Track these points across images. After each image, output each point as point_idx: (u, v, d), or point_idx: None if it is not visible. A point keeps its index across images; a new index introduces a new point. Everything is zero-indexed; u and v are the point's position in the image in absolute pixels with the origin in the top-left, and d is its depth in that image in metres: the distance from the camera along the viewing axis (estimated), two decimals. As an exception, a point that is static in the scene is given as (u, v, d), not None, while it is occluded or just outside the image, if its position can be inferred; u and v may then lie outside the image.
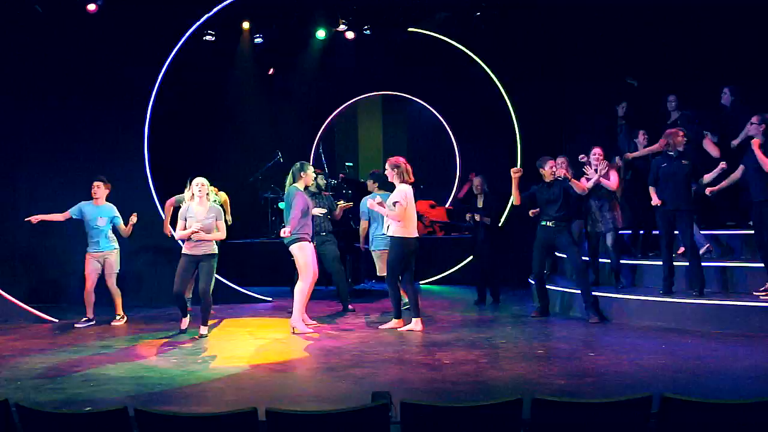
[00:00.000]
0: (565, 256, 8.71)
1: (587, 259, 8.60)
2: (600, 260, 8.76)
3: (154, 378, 5.63)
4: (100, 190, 8.30)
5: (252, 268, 9.36)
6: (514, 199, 8.23)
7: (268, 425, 3.28)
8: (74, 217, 8.28)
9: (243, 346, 6.90)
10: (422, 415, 3.34)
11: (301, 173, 7.59)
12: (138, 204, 8.88)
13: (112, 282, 8.29)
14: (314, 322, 7.97)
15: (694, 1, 9.56)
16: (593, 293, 7.93)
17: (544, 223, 8.14)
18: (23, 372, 5.86)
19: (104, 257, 8.25)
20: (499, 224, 9.59)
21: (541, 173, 8.16)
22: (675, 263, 7.71)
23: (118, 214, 8.36)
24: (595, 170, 8.16)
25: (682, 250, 8.01)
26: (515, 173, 8.10)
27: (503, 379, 5.37)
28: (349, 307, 8.81)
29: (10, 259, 9.46)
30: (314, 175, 7.76)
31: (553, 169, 8.06)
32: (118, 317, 8.31)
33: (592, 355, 6.14)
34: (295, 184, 7.58)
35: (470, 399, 4.95)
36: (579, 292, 7.98)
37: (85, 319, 8.15)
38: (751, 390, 4.91)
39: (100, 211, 8.28)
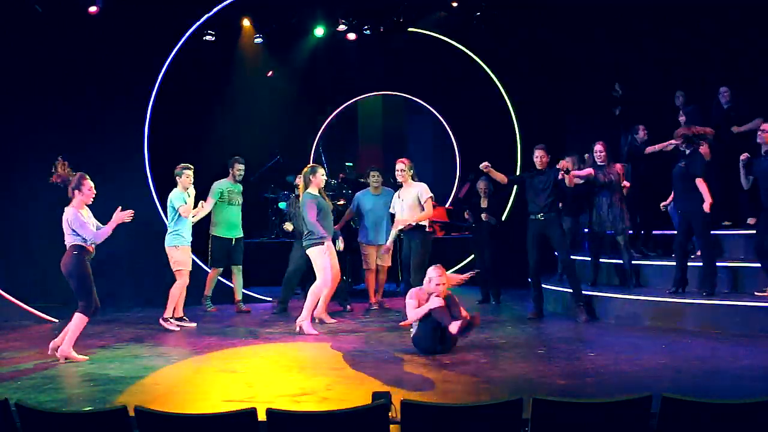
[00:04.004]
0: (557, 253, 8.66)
1: (589, 258, 8.58)
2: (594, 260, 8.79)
3: (154, 378, 5.63)
4: (190, 179, 8.02)
5: (252, 268, 9.35)
6: (501, 180, 8.09)
7: (268, 425, 3.28)
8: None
9: (242, 346, 6.90)
10: (422, 415, 3.34)
11: (311, 177, 7.65)
12: (138, 204, 8.85)
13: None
14: (333, 321, 8.08)
15: (695, 1, 9.58)
16: (584, 292, 7.93)
17: (533, 216, 8.02)
18: (23, 372, 5.86)
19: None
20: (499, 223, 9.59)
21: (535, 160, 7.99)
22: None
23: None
24: (599, 166, 8.12)
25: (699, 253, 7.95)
26: (486, 167, 7.97)
27: (503, 379, 5.37)
28: (348, 307, 8.86)
29: (10, 259, 9.45)
30: (325, 177, 7.86)
31: (541, 159, 7.91)
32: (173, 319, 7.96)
33: (592, 355, 6.13)
34: (308, 191, 7.64)
35: (470, 399, 4.95)
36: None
37: (181, 317, 7.96)
38: (751, 390, 4.91)
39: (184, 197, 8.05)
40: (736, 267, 7.77)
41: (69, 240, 6.35)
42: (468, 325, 6.12)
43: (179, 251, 7.85)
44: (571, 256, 8.12)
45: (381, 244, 8.95)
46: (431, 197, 8.07)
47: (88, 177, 6.43)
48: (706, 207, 7.23)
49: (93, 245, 6.38)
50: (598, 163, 8.19)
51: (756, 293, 7.29)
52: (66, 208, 6.36)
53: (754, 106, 8.50)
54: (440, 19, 11.66)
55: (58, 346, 6.39)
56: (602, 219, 8.16)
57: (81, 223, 6.27)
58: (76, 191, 6.36)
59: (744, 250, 8.09)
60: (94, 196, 6.46)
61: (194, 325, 7.98)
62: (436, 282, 6.31)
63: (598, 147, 8.20)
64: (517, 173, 11.26)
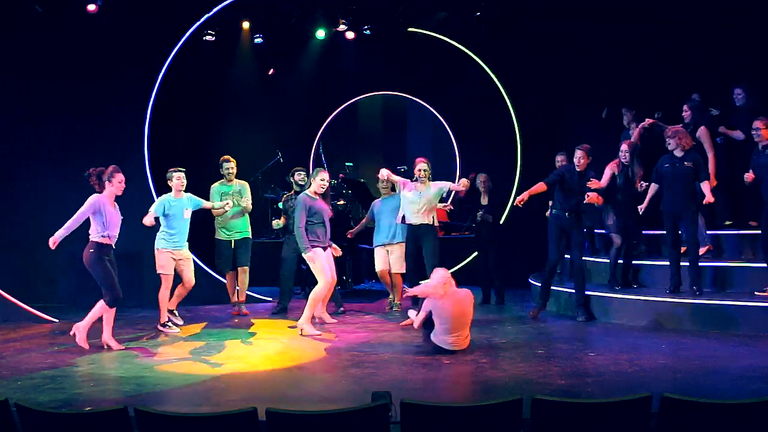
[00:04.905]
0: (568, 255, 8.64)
1: (607, 260, 8.55)
2: (596, 259, 8.77)
3: (154, 378, 5.63)
4: (185, 181, 7.90)
5: (252, 268, 9.33)
6: (542, 189, 7.86)
7: (268, 425, 3.28)
8: (159, 215, 7.78)
9: (243, 346, 6.90)
10: (422, 415, 3.34)
11: (311, 179, 7.59)
12: (138, 204, 8.86)
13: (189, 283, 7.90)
14: (334, 320, 8.07)
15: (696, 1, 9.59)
16: (587, 292, 7.97)
17: (556, 212, 7.97)
18: (23, 372, 5.86)
19: (183, 255, 7.87)
20: (501, 221, 9.58)
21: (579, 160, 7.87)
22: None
23: (199, 198, 8.07)
24: (626, 165, 8.07)
25: (684, 249, 7.99)
26: (521, 201, 7.78)
27: (503, 379, 5.37)
28: (340, 309, 8.72)
29: (10, 259, 9.45)
30: (320, 181, 7.58)
31: (579, 160, 7.83)
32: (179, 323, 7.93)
33: (592, 355, 6.14)
34: (306, 191, 7.56)
35: (470, 399, 4.95)
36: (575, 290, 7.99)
37: (171, 322, 7.79)
38: (751, 390, 4.91)
39: (182, 203, 7.89)
40: (736, 267, 7.77)
41: (91, 235, 6.69)
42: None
43: (160, 254, 7.76)
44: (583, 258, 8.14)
45: (390, 243, 8.83)
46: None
47: (120, 170, 6.82)
48: (708, 198, 7.28)
49: (109, 238, 6.71)
50: (624, 163, 8.15)
51: (756, 293, 7.29)
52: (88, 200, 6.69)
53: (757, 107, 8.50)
54: (441, 20, 11.63)
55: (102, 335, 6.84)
56: (624, 220, 8.14)
57: (84, 209, 6.63)
58: (107, 182, 6.75)
59: (744, 250, 8.10)
60: (124, 188, 6.83)
61: (177, 330, 7.78)
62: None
63: (624, 147, 8.15)
64: (518, 172, 11.30)
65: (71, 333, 6.83)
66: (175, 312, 8.00)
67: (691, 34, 9.74)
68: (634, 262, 8.33)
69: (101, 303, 6.72)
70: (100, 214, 6.64)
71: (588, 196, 7.66)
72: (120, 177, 6.78)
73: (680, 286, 7.60)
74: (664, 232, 7.82)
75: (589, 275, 8.74)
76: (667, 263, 7.79)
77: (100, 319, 6.82)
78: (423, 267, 8.12)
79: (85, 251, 6.68)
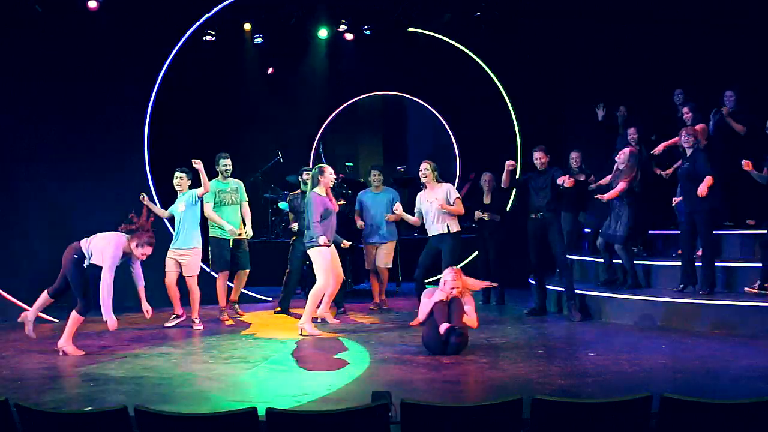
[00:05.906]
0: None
1: (601, 260, 8.55)
2: (597, 260, 8.77)
3: (154, 378, 5.63)
4: (183, 182, 7.94)
5: (252, 267, 9.32)
6: (504, 182, 8.15)
7: (268, 425, 3.28)
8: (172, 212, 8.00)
9: (242, 346, 6.90)
10: (422, 415, 3.34)
11: (319, 177, 7.48)
12: (138, 204, 8.86)
13: (191, 282, 7.89)
14: (337, 321, 8.08)
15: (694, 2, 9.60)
16: (576, 291, 7.99)
17: (532, 215, 8.14)
18: (23, 372, 5.86)
19: (179, 254, 7.88)
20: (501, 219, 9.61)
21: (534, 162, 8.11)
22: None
23: (198, 194, 7.95)
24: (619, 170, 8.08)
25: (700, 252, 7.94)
26: (509, 167, 8.01)
27: (503, 379, 5.38)
28: (341, 309, 8.68)
29: (10, 259, 9.45)
30: (333, 176, 7.62)
31: (540, 160, 8.01)
32: (196, 321, 7.94)
33: (592, 355, 6.14)
34: (314, 189, 7.47)
35: (470, 399, 4.96)
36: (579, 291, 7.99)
37: (174, 316, 7.96)
38: (751, 390, 4.92)
39: (179, 198, 7.93)
40: (735, 267, 7.77)
41: (83, 242, 6.53)
42: (455, 331, 6.06)
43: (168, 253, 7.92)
44: (567, 255, 8.17)
45: (380, 243, 8.88)
46: (459, 197, 8.08)
47: (153, 245, 6.58)
48: (701, 191, 7.21)
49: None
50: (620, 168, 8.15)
51: (746, 289, 7.26)
52: (118, 236, 6.49)
53: (755, 107, 8.50)
54: (446, 21, 11.63)
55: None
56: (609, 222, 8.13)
57: (114, 254, 6.37)
58: (135, 245, 6.46)
59: (743, 249, 8.09)
60: (142, 260, 6.63)
61: (177, 322, 7.97)
62: (451, 285, 6.32)
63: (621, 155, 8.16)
64: (518, 173, 11.29)
65: (60, 353, 6.53)
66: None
67: (690, 34, 9.75)
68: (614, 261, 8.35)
69: (74, 313, 6.48)
70: (115, 256, 6.42)
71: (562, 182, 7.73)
72: (148, 251, 6.52)
73: (696, 283, 7.51)
74: (664, 232, 7.84)
75: (587, 274, 8.78)
76: (666, 263, 7.79)
77: (86, 321, 6.72)
78: (429, 276, 8.18)
79: (67, 252, 6.54)
